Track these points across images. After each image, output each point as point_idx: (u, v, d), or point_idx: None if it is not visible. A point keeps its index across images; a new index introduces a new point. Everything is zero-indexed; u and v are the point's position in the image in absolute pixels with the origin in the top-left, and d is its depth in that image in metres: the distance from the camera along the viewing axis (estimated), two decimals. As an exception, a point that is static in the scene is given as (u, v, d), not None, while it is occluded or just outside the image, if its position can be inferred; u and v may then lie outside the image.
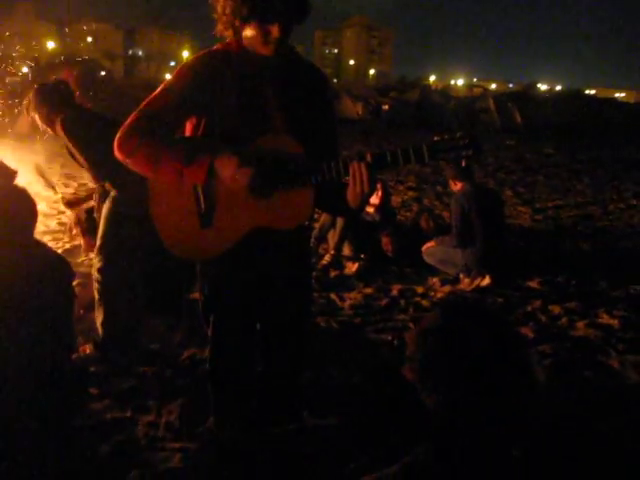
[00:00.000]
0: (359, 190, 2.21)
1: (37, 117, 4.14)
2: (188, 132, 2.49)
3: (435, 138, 2.17)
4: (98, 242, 4.13)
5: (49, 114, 4.08)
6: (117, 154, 2.36)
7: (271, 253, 2.51)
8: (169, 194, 2.45)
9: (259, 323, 2.75)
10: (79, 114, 4.13)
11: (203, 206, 2.40)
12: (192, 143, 2.38)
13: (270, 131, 2.37)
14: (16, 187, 2.89)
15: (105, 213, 4.06)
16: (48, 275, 2.80)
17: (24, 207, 2.77)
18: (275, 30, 2.27)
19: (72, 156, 4.15)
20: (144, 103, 2.40)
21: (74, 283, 5.23)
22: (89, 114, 4.25)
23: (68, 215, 5.60)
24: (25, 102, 4.31)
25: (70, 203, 5.21)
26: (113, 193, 4.02)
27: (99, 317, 4.14)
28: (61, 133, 4.02)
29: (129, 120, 2.36)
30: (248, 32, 2.32)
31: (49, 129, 4.14)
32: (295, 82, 2.47)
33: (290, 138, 2.33)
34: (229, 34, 2.38)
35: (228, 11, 2.28)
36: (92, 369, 3.86)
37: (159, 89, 2.41)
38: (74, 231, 5.32)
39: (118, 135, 2.36)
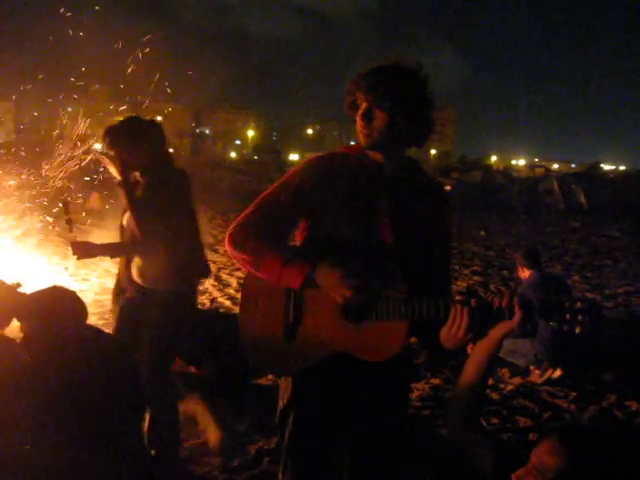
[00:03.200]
0: (454, 333, 2.07)
1: None
2: (298, 235, 2.47)
3: (549, 297, 2.05)
4: None
5: None
6: (227, 245, 2.37)
7: (359, 379, 2.37)
8: (261, 296, 2.40)
9: (347, 448, 2.52)
10: None
11: (291, 316, 2.33)
12: (295, 250, 2.34)
13: (376, 246, 2.30)
14: (54, 288, 2.90)
15: None
16: (105, 365, 2.78)
17: (65, 305, 2.77)
18: (378, 120, 2.27)
19: None
20: (261, 196, 2.41)
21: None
22: None
23: None
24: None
25: None
26: None
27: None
28: None
29: (244, 212, 2.39)
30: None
31: None
32: (410, 197, 2.38)
33: (397, 268, 2.22)
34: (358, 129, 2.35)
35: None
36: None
37: (276, 184, 2.42)
38: None
39: (232, 226, 2.38)
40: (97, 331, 3.00)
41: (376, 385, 2.40)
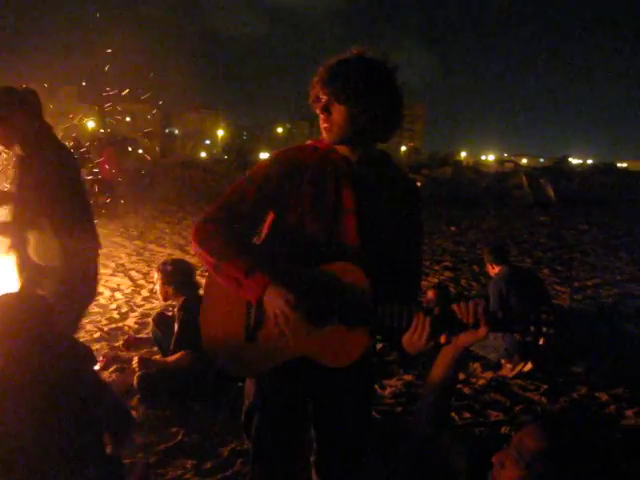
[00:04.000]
0: (415, 340, 2.07)
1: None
2: (265, 228, 2.42)
3: (514, 310, 2.05)
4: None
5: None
6: (192, 241, 2.31)
7: (322, 380, 2.36)
8: (222, 298, 2.34)
9: (317, 444, 2.56)
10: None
11: (252, 318, 2.28)
12: (259, 257, 2.26)
13: (339, 243, 2.27)
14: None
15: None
16: (68, 370, 2.73)
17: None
18: (336, 113, 2.24)
19: None
20: (228, 191, 2.35)
21: (112, 369, 5.26)
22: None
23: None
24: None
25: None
26: None
27: None
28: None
29: (210, 208, 2.33)
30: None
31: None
32: (379, 192, 2.34)
33: (359, 270, 2.17)
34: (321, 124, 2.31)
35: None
36: (127, 461, 3.79)
37: (243, 178, 2.37)
38: (155, 275, 5.29)
39: (198, 221, 2.33)
40: (64, 335, 2.96)
41: (339, 385, 2.39)
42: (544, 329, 1.97)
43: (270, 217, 2.40)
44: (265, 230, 2.43)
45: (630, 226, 18.36)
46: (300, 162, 2.33)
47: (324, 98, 2.26)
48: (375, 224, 2.31)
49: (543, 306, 2.04)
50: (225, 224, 2.27)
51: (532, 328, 1.98)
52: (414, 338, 2.06)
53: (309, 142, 2.44)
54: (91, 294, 3.89)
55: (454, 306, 2.05)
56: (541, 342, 1.99)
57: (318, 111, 2.29)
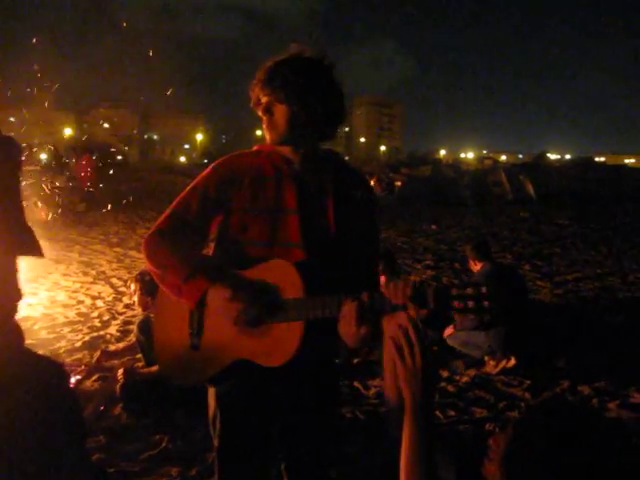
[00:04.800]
0: (347, 328, 2.02)
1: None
2: (214, 237, 2.41)
3: (448, 284, 1.93)
4: None
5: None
6: (143, 251, 2.31)
7: (277, 382, 2.30)
8: (171, 309, 2.34)
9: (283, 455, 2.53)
10: None
11: (195, 326, 2.30)
12: (200, 263, 2.26)
13: (283, 241, 2.24)
14: None
15: None
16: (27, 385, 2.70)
17: None
18: (277, 113, 2.24)
19: None
20: (174, 202, 2.35)
21: (94, 378, 5.23)
22: None
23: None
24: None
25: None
26: None
27: None
28: None
29: (160, 218, 2.33)
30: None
31: None
32: (322, 190, 2.31)
33: (289, 265, 2.14)
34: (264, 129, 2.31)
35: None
36: (112, 470, 3.77)
37: (188, 188, 2.35)
38: (133, 286, 5.26)
39: (146, 235, 2.32)
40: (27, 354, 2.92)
41: (299, 388, 2.35)
42: (485, 303, 1.88)
43: (216, 225, 2.38)
44: (214, 239, 2.42)
45: (609, 220, 18.51)
46: (240, 167, 2.33)
47: (265, 99, 2.26)
48: (320, 223, 2.29)
49: (478, 280, 1.94)
50: (170, 235, 2.27)
51: (470, 303, 1.89)
52: (345, 326, 2.03)
53: (255, 147, 2.44)
54: (18, 299, 3.80)
55: (383, 287, 2.01)
56: (487, 318, 1.90)
57: (260, 113, 2.30)
